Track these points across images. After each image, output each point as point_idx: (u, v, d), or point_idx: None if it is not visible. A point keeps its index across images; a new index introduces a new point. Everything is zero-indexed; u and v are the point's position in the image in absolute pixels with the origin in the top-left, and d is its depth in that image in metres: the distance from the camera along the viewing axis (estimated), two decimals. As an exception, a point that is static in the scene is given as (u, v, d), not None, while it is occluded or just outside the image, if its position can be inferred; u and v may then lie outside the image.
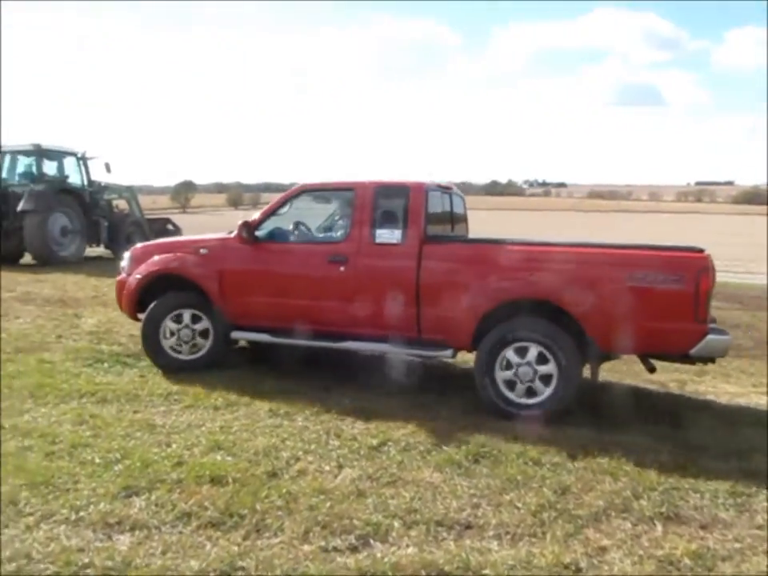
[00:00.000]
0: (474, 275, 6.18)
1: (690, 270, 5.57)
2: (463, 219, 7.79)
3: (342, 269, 6.52)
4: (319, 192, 7.44)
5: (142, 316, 7.38)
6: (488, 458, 4.91)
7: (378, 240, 6.49)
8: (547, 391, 5.82)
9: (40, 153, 18.17)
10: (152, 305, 7.22)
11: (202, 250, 7.15)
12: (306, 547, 3.57)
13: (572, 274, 5.87)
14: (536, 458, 4.89)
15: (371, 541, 3.69)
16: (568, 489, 4.41)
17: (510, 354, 5.92)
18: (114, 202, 21.00)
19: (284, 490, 4.23)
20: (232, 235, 7.09)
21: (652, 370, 6.31)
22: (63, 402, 5.90)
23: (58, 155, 18.75)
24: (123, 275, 7.57)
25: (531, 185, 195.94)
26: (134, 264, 7.48)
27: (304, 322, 6.73)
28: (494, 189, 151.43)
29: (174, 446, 5.00)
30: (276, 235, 7.11)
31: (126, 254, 7.75)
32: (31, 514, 3.90)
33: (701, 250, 5.75)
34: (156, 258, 7.36)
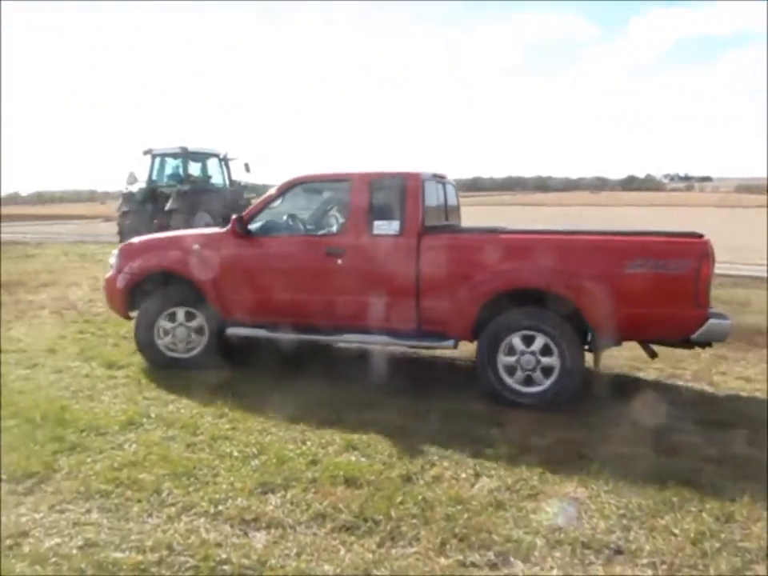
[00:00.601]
0: (473, 265, 6.23)
1: (691, 256, 5.74)
2: (456, 208, 7.84)
3: (339, 261, 6.49)
4: (314, 184, 7.36)
5: (133, 314, 7.25)
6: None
7: (375, 231, 6.48)
8: (546, 383, 5.94)
9: (186, 155, 18.93)
10: (144, 304, 7.07)
11: (194, 246, 7.00)
12: (443, 560, 3.50)
13: (572, 262, 6.00)
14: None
15: (511, 558, 3.53)
16: (732, 516, 3.98)
17: (516, 340, 6.00)
18: (253, 201, 20.34)
19: (419, 497, 4.16)
20: (225, 230, 6.96)
21: (653, 355, 6.52)
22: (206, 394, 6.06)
23: (202, 157, 19.53)
24: (112, 273, 7.35)
25: (672, 179, 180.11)
26: (124, 261, 7.27)
27: (301, 316, 6.73)
28: (630, 184, 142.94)
29: (308, 443, 5.05)
30: (270, 229, 7.02)
31: (115, 251, 7.50)
32: (173, 505, 4.05)
33: (700, 236, 5.93)
34: (147, 254, 7.19)
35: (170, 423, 5.40)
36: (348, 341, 7.01)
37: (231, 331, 6.95)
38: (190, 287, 6.96)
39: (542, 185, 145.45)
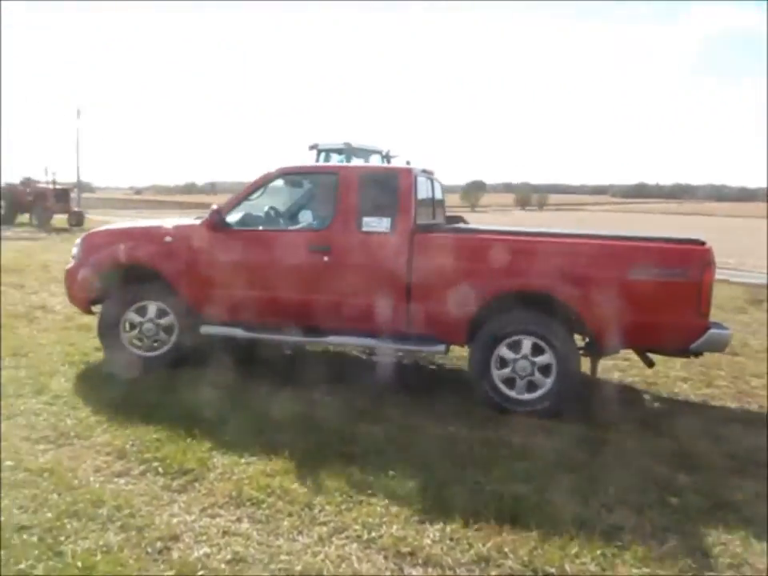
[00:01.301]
0: (468, 267, 5.96)
1: (694, 264, 5.58)
2: (442, 205, 7.55)
3: (325, 259, 6.15)
4: (299, 176, 6.97)
5: (96, 308, 6.81)
6: None
7: (364, 228, 6.15)
8: (548, 382, 5.73)
9: (350, 151, 18.39)
10: (111, 296, 6.64)
11: (166, 238, 6.56)
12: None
13: (572, 267, 5.77)
14: None
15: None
16: None
17: (503, 351, 5.81)
18: None
19: (597, 551, 3.58)
20: (200, 222, 6.53)
21: (651, 364, 6.37)
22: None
23: (365, 153, 18.93)
24: (74, 264, 6.87)
25: None
26: (88, 252, 6.80)
27: (282, 316, 6.36)
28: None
29: (471, 468, 4.62)
30: (249, 222, 6.64)
31: (78, 241, 7.00)
32: (325, 524, 3.80)
33: (702, 243, 5.79)
34: (115, 246, 6.70)
35: (323, 430, 5.16)
36: (332, 343, 6.68)
37: (205, 330, 6.52)
38: (161, 282, 6.54)
39: (715, 193, 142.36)
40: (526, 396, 5.78)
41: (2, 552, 3.35)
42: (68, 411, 5.37)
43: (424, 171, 6.77)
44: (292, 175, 6.90)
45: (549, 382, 5.73)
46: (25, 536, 3.52)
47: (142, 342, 6.61)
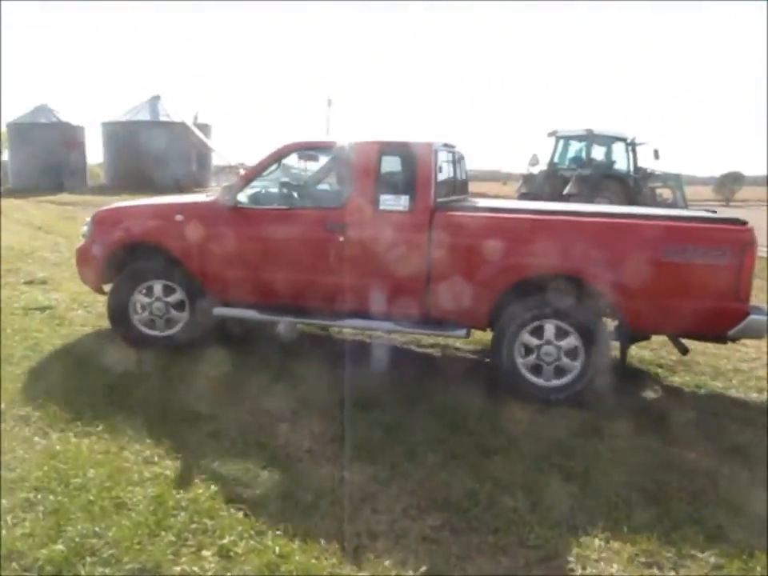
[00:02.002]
0: (492, 247, 5.58)
1: (734, 245, 5.19)
2: (465, 182, 7.19)
3: (341, 238, 5.85)
4: (314, 151, 6.66)
5: (107, 288, 6.61)
6: None
7: (382, 207, 5.83)
8: (576, 366, 5.43)
9: (591, 138, 18.32)
10: (119, 277, 6.42)
11: (177, 216, 6.30)
12: None
13: (602, 247, 5.41)
14: None
15: None
16: None
17: (525, 337, 5.52)
18: (658, 191, 19.78)
19: None
20: (211, 199, 6.27)
21: (685, 351, 5.99)
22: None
23: (607, 140, 18.82)
24: (84, 242, 6.67)
25: None
26: (98, 231, 6.59)
27: (297, 298, 6.11)
28: None
29: None
30: (263, 200, 6.37)
31: (88, 219, 6.78)
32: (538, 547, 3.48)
33: (744, 222, 5.39)
34: (125, 224, 6.50)
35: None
36: (348, 326, 6.42)
37: (218, 311, 6.30)
38: (173, 263, 6.31)
39: None
40: (554, 382, 5.50)
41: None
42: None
43: (446, 145, 6.42)
44: (306, 150, 6.58)
45: (577, 365, 5.44)
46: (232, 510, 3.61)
47: (154, 322, 6.41)
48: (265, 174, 6.31)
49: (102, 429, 4.57)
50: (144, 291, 6.37)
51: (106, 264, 6.47)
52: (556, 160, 19.05)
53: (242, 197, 6.21)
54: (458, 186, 6.82)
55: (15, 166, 34.01)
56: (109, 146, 35.41)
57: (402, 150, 6.00)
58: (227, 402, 5.17)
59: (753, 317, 5.26)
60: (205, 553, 3.25)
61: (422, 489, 3.94)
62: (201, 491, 3.79)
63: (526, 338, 5.51)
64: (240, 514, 3.58)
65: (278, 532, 3.42)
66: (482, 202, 6.86)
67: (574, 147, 19.28)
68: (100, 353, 6.08)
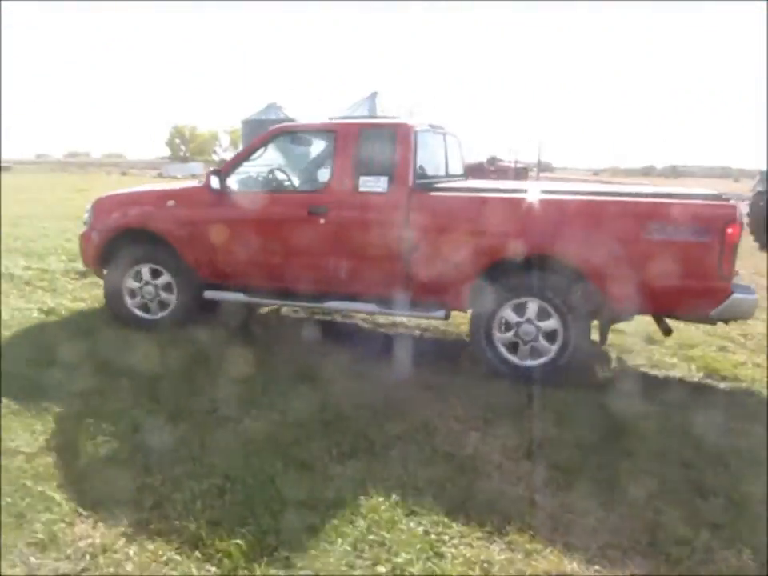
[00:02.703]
0: (470, 228, 5.54)
1: (716, 222, 4.98)
2: (459, 162, 7.11)
3: (322, 221, 5.87)
4: (299, 134, 6.70)
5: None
6: None
7: (361, 188, 5.82)
8: (553, 349, 5.35)
9: None
10: (112, 262, 6.62)
11: (169, 202, 6.46)
12: None
13: (583, 227, 5.26)
14: None
15: None
16: None
17: (507, 312, 5.45)
18: None
19: None
20: (201, 185, 6.39)
21: (668, 331, 5.78)
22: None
23: None
24: (86, 229, 6.91)
25: None
26: (97, 217, 6.81)
27: (282, 280, 6.16)
28: None
29: None
30: (250, 184, 6.45)
31: (88, 206, 7.02)
32: None
33: (727, 199, 5.17)
34: (120, 211, 6.69)
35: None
36: (332, 308, 6.44)
37: (209, 294, 6.43)
38: (162, 247, 6.45)
39: None
40: (529, 362, 5.45)
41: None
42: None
43: (432, 126, 6.34)
44: (293, 134, 6.62)
45: (553, 349, 5.36)
46: (412, 524, 3.38)
47: (147, 306, 6.59)
48: (252, 158, 6.37)
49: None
50: (134, 275, 6.55)
51: (104, 249, 6.66)
52: None
53: (230, 181, 6.29)
54: (450, 165, 6.74)
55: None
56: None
57: (382, 130, 5.98)
58: (417, 402, 4.92)
59: (736, 296, 5.04)
60: (379, 569, 3.04)
61: (625, 526, 3.41)
62: (381, 499, 3.55)
63: (507, 313, 5.45)
64: (420, 530, 3.32)
65: (456, 561, 3.11)
66: (467, 183, 6.74)
67: None
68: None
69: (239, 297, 6.33)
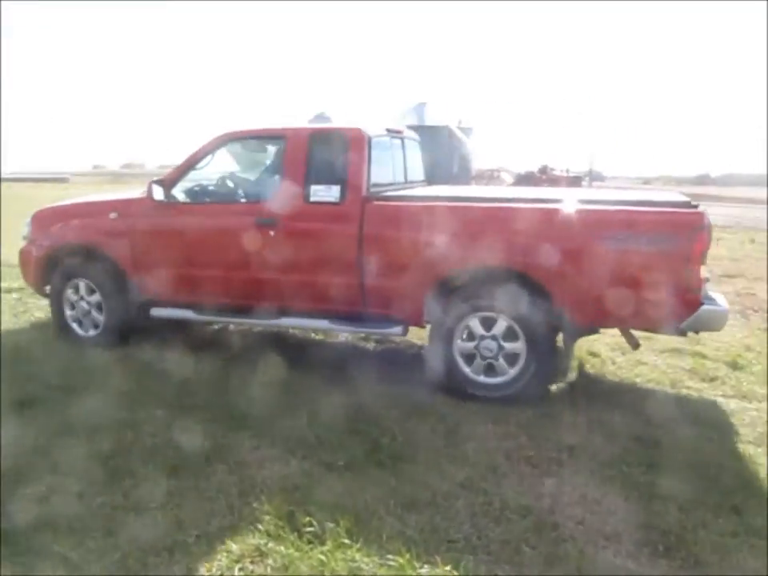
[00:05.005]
0: (424, 239, 5.21)
1: (682, 229, 4.70)
2: (419, 168, 6.82)
3: (271, 233, 5.55)
4: (247, 140, 6.35)
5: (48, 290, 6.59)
6: None
7: (312, 198, 5.50)
8: (511, 372, 5.05)
9: None
10: (54, 277, 6.39)
11: (111, 215, 6.14)
12: None
13: (541, 237, 4.96)
14: None
15: None
16: None
17: (474, 322, 5.12)
18: None
19: None
20: (143, 196, 6.05)
21: (636, 345, 5.49)
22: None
23: None
24: (25, 244, 6.63)
25: None
26: (36, 231, 6.52)
27: (231, 297, 5.86)
28: None
29: None
30: (195, 194, 6.12)
31: (27, 220, 6.68)
32: None
33: (695, 206, 4.90)
34: (60, 224, 6.41)
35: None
36: (284, 325, 6.13)
37: (155, 312, 6.11)
38: (104, 263, 6.16)
39: None
40: (483, 379, 5.16)
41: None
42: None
43: (389, 130, 6.05)
44: (240, 140, 6.27)
45: (512, 371, 5.08)
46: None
47: (82, 320, 6.36)
48: (199, 166, 6.04)
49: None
50: (73, 288, 6.31)
51: (45, 265, 6.37)
52: None
53: (175, 191, 5.97)
54: (409, 171, 6.45)
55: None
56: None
57: (333, 136, 5.68)
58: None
59: (706, 307, 4.74)
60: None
61: None
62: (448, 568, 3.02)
63: (473, 323, 5.13)
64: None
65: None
66: (425, 191, 6.42)
67: None
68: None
69: (188, 315, 6.00)
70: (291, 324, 6.00)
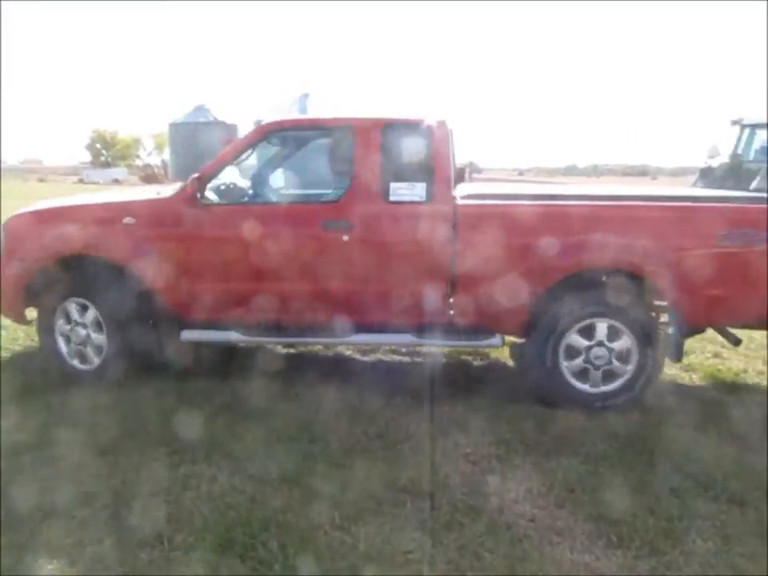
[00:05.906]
0: (529, 243, 4.79)
1: None
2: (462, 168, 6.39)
3: (345, 237, 4.79)
4: (299, 131, 5.45)
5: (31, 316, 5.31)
6: None
7: (392, 198, 4.84)
8: (629, 368, 4.82)
9: None
10: (43, 299, 5.17)
11: (126, 219, 4.92)
12: None
13: (655, 236, 4.76)
14: None
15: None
16: None
17: (573, 338, 4.81)
18: None
19: None
20: (170, 196, 4.97)
21: (737, 342, 5.45)
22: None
23: None
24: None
25: None
26: (14, 241, 5.10)
27: (294, 313, 5.00)
28: None
29: None
30: (238, 194, 5.09)
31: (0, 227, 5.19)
32: None
33: None
34: (52, 231, 5.04)
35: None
36: (358, 342, 5.39)
37: (187, 336, 5.04)
38: (124, 278, 4.98)
39: None
40: (602, 388, 4.86)
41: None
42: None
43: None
44: (290, 131, 5.37)
45: (629, 369, 4.82)
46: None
47: (84, 353, 5.19)
48: (237, 162, 5.08)
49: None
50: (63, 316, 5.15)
51: (31, 285, 5.03)
52: (739, 151, 16.87)
53: (213, 192, 4.96)
54: (458, 168, 5.95)
55: (176, 162, 31.29)
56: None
57: (413, 128, 5.03)
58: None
59: None
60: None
61: None
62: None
63: (573, 338, 4.81)
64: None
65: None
66: (507, 189, 5.97)
67: (761, 137, 17.09)
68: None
69: (233, 337, 5.02)
70: (368, 341, 5.32)
